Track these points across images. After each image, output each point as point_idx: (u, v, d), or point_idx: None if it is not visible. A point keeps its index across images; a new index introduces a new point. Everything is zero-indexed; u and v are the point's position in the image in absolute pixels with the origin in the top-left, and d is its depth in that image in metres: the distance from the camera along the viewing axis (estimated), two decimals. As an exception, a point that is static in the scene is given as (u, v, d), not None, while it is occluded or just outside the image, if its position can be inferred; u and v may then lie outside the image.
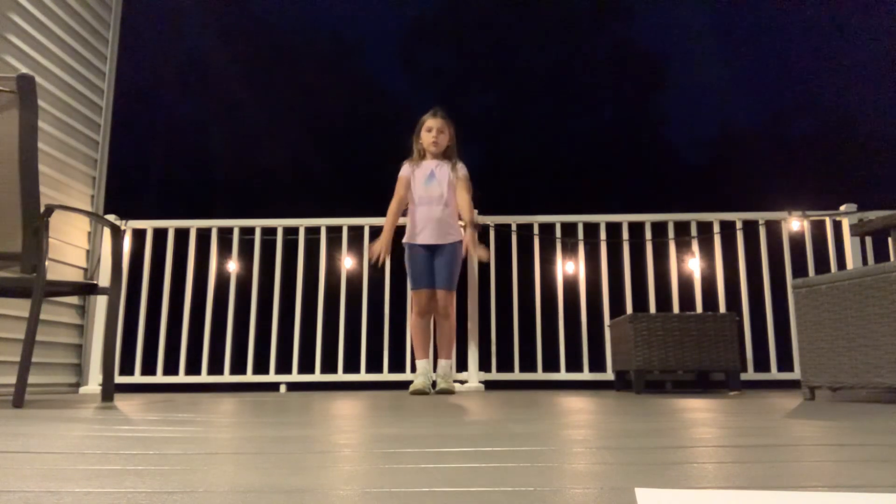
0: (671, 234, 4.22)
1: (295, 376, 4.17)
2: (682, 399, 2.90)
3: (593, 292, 4.20)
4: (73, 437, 1.40)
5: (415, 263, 3.70)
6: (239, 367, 4.19)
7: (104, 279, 4.09)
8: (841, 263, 4.08)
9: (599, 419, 1.85)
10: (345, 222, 4.32)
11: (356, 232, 4.30)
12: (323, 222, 4.34)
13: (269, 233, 4.37)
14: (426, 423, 1.72)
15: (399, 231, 3.81)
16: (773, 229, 4.17)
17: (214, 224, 4.36)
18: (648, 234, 4.24)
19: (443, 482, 0.84)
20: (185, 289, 4.27)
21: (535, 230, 4.28)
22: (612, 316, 4.08)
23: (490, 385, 4.09)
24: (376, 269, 3.75)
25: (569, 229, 4.27)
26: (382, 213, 3.84)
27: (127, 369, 4.14)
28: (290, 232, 4.36)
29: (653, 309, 4.11)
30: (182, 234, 4.34)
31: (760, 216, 4.20)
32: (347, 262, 4.31)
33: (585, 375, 4.12)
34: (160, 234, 4.33)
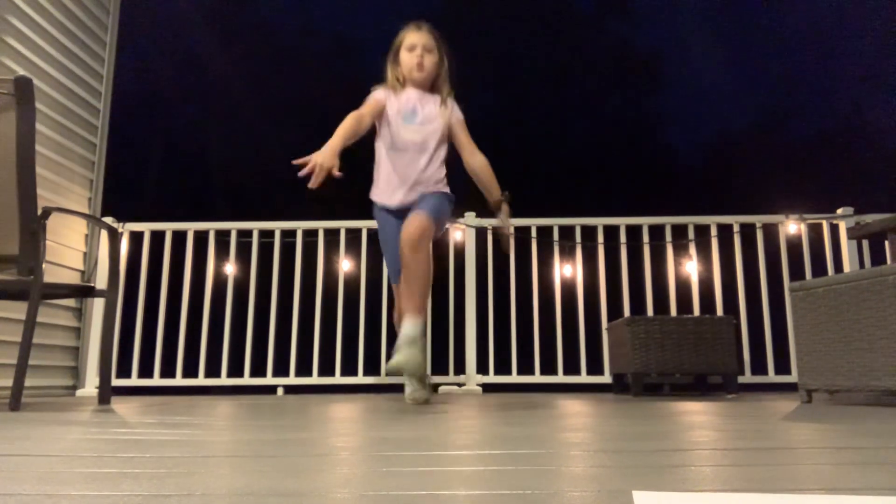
0: (669, 237, 4.23)
1: (292, 379, 4.17)
2: (680, 402, 2.90)
3: (591, 295, 4.20)
4: (70, 440, 1.40)
5: (385, 235, 2.75)
6: (236, 370, 4.18)
7: (101, 282, 4.09)
8: (838, 267, 4.09)
9: (597, 422, 1.85)
10: (343, 225, 4.32)
11: (354, 235, 4.30)
12: (321, 225, 4.34)
13: (266, 235, 4.36)
14: (423, 427, 1.72)
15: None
16: (771, 232, 4.18)
17: (212, 226, 4.35)
18: (646, 237, 4.24)
19: (440, 486, 0.83)
20: (182, 291, 4.26)
21: (533, 233, 4.28)
22: (610, 319, 4.08)
23: (488, 388, 4.09)
24: (310, 190, 2.29)
25: (566, 232, 4.27)
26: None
27: (124, 372, 4.13)
28: (288, 234, 4.36)
29: (650, 312, 4.12)
30: (179, 237, 4.34)
31: (758, 219, 4.20)
32: (345, 265, 4.30)
33: (583, 378, 4.12)
34: (157, 237, 4.33)
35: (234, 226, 4.36)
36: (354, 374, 4.15)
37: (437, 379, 4.12)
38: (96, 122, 4.52)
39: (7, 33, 3.65)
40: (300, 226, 4.35)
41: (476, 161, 2.72)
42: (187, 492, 0.79)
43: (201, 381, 4.16)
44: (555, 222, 4.28)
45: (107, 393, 2.77)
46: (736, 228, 4.20)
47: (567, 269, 4.24)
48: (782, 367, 3.94)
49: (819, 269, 4.08)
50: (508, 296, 4.16)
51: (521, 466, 0.99)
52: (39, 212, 2.46)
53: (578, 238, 4.25)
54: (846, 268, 4.06)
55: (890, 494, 0.75)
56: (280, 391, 4.19)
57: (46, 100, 3.95)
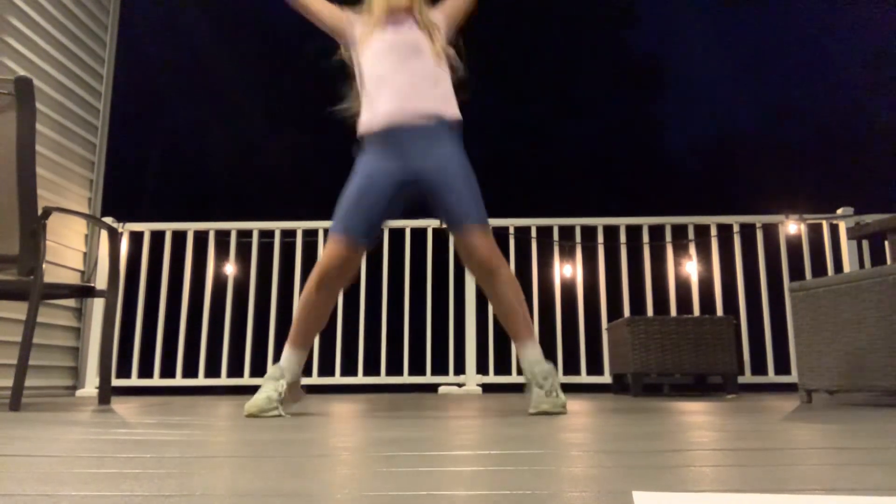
0: (668, 237, 4.23)
1: (292, 379, 4.16)
2: (680, 402, 2.90)
3: (591, 295, 4.20)
4: (70, 441, 1.40)
5: (366, 185, 2.10)
6: (236, 370, 4.18)
7: (101, 282, 4.08)
8: (838, 267, 4.09)
9: (597, 422, 1.85)
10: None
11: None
12: (321, 225, 4.33)
13: (266, 235, 4.36)
14: (424, 427, 1.72)
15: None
16: (771, 232, 4.18)
17: (212, 226, 4.35)
18: (646, 238, 4.24)
19: (440, 486, 0.83)
20: (182, 292, 4.26)
21: (533, 233, 4.28)
22: (610, 319, 4.08)
23: (487, 388, 4.09)
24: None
25: (566, 232, 4.27)
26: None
27: (124, 372, 4.13)
28: (288, 234, 4.36)
29: (650, 312, 4.12)
30: (179, 237, 4.34)
31: (757, 219, 4.20)
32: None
33: (583, 378, 4.12)
34: (157, 237, 4.33)
35: (234, 226, 4.36)
36: (354, 374, 4.15)
37: (436, 379, 4.12)
38: (96, 122, 4.52)
39: (7, 33, 3.65)
40: (300, 226, 4.35)
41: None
42: (187, 492, 0.79)
43: (201, 381, 4.16)
44: (555, 222, 4.28)
45: (107, 393, 2.77)
46: (736, 228, 4.20)
47: (567, 269, 4.24)
48: (782, 367, 3.94)
49: (819, 269, 4.09)
50: (508, 296, 4.16)
51: (521, 467, 0.99)
52: (39, 212, 2.46)
53: (578, 238, 4.25)
54: (846, 268, 4.06)
55: (890, 494, 0.75)
56: (280, 391, 4.18)
57: (46, 100, 3.95)
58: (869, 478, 0.87)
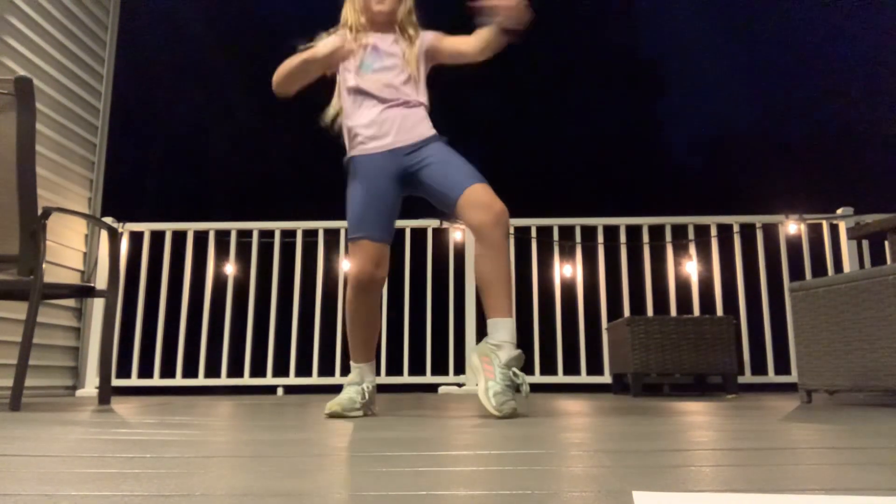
0: (668, 237, 4.23)
1: (292, 379, 4.17)
2: (680, 402, 2.90)
3: (591, 295, 4.20)
4: (70, 441, 1.40)
5: (366, 188, 2.14)
6: (236, 370, 4.18)
7: (101, 282, 4.08)
8: (838, 267, 4.09)
9: (597, 422, 1.85)
10: (342, 225, 4.31)
11: (354, 235, 4.30)
12: (321, 225, 4.33)
13: (266, 235, 4.36)
14: (423, 427, 1.72)
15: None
16: (771, 232, 4.18)
17: (212, 227, 4.35)
18: (646, 238, 4.24)
19: (440, 486, 0.83)
20: (182, 292, 4.26)
21: (533, 233, 4.28)
22: (610, 319, 4.08)
23: (488, 388, 4.08)
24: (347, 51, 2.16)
25: (566, 232, 4.27)
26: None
27: (124, 372, 4.13)
28: (288, 234, 4.36)
29: (650, 312, 4.12)
30: (179, 237, 4.34)
31: (757, 219, 4.20)
32: (345, 265, 4.30)
33: (583, 378, 4.12)
34: (157, 237, 4.33)
35: (234, 226, 4.36)
36: (354, 374, 4.14)
37: (436, 379, 4.12)
38: (96, 122, 4.52)
39: (7, 33, 3.65)
40: (300, 226, 4.35)
41: (473, 42, 2.23)
42: (187, 492, 0.79)
43: (201, 381, 4.16)
44: (555, 222, 4.28)
45: (107, 393, 2.77)
46: (736, 228, 4.20)
47: (567, 269, 4.24)
48: (782, 367, 3.94)
49: (819, 269, 4.09)
50: (508, 296, 4.16)
51: (521, 466, 0.99)
52: (39, 212, 2.46)
53: (578, 238, 4.25)
54: (846, 268, 4.06)
55: (890, 494, 0.75)
56: (280, 391, 4.19)
57: (46, 100, 3.95)
58: (869, 478, 0.87)
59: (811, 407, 2.50)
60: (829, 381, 2.62)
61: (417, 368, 4.14)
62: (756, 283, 4.10)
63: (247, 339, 4.20)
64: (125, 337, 4.17)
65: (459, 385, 4.06)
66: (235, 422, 1.96)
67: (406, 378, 4.10)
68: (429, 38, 2.27)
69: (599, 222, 4.27)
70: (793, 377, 3.81)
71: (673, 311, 4.12)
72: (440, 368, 4.13)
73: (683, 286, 4.19)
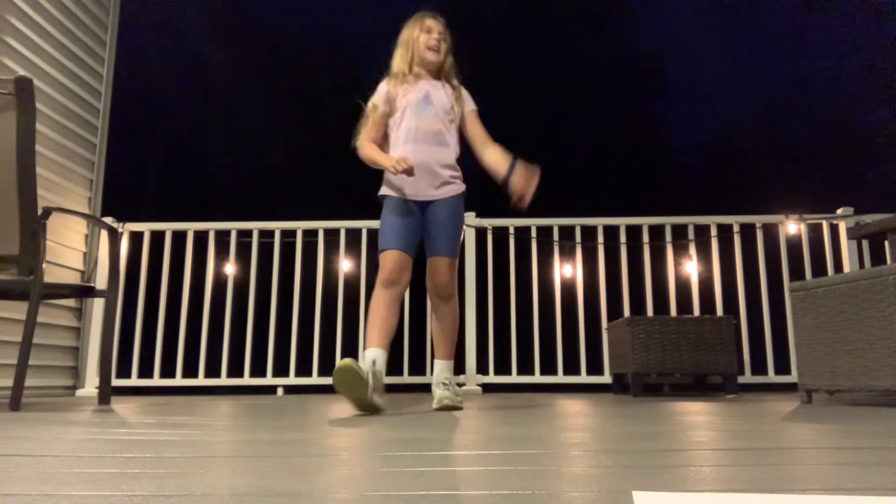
0: (669, 237, 4.23)
1: (292, 379, 4.17)
2: (680, 402, 2.90)
3: (591, 295, 4.20)
4: (70, 440, 1.40)
5: (394, 220, 2.57)
6: (236, 370, 4.18)
7: (101, 282, 4.09)
8: (838, 267, 4.09)
9: (597, 422, 1.85)
10: (343, 225, 4.32)
11: (354, 235, 4.30)
12: (321, 225, 4.33)
13: (266, 235, 4.36)
14: (424, 427, 1.72)
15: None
16: (771, 232, 4.18)
17: (212, 226, 4.35)
18: (646, 237, 4.24)
19: (440, 486, 0.83)
20: (182, 291, 4.26)
21: (533, 233, 4.28)
22: (610, 319, 4.08)
23: (488, 388, 4.09)
24: (410, 173, 2.44)
25: (566, 232, 4.27)
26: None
27: (124, 372, 4.12)
28: (288, 234, 4.36)
29: (650, 312, 4.12)
30: (179, 237, 4.34)
31: (757, 219, 4.20)
32: (345, 265, 4.30)
33: (583, 378, 4.12)
34: (157, 237, 4.33)
35: (233, 226, 4.36)
36: (354, 374, 4.14)
37: (437, 379, 4.11)
38: (96, 123, 4.52)
39: (7, 33, 3.65)
40: (300, 226, 4.35)
41: (493, 151, 2.59)
42: (187, 492, 0.79)
43: (201, 381, 4.16)
44: (555, 222, 4.28)
45: (107, 393, 2.77)
46: (736, 228, 4.20)
47: (567, 269, 4.24)
48: (782, 367, 3.94)
49: (819, 269, 4.09)
50: (508, 296, 4.16)
51: (521, 466, 0.99)
52: (39, 212, 2.46)
53: (578, 238, 4.25)
54: (846, 268, 4.06)
55: (890, 494, 0.75)
56: (280, 391, 4.19)
57: (47, 100, 3.95)
58: (869, 478, 0.87)
59: (811, 407, 2.50)
60: (829, 381, 2.62)
61: (417, 368, 4.14)
62: (756, 283, 4.10)
63: (247, 339, 4.20)
64: (125, 337, 4.17)
65: (459, 385, 4.06)
66: (235, 422, 1.96)
67: (406, 378, 4.10)
68: (469, 107, 2.70)
69: (599, 222, 4.27)
70: (793, 377, 3.81)
71: (673, 311, 4.12)
72: (440, 368, 4.12)
73: (683, 286, 4.19)
